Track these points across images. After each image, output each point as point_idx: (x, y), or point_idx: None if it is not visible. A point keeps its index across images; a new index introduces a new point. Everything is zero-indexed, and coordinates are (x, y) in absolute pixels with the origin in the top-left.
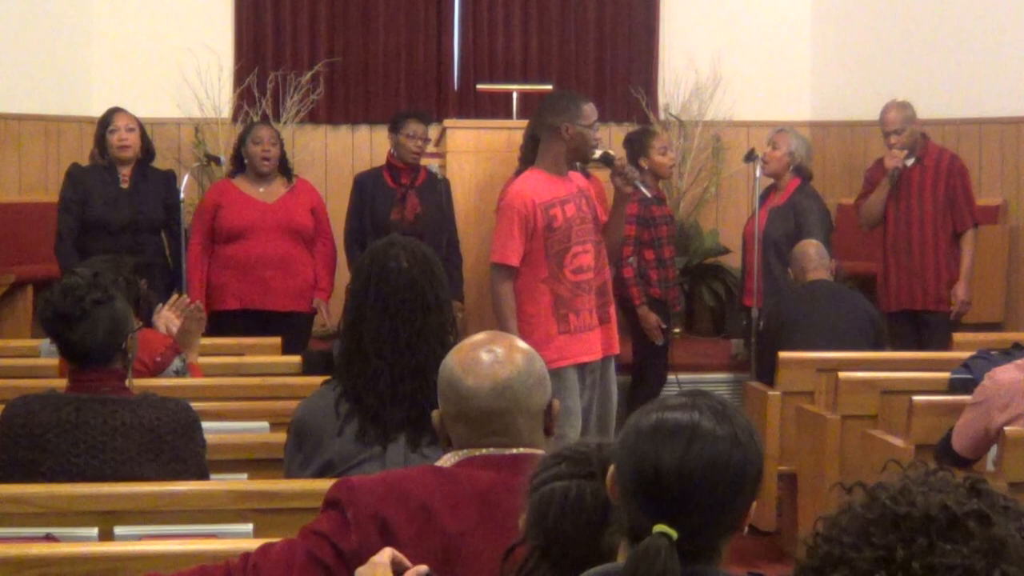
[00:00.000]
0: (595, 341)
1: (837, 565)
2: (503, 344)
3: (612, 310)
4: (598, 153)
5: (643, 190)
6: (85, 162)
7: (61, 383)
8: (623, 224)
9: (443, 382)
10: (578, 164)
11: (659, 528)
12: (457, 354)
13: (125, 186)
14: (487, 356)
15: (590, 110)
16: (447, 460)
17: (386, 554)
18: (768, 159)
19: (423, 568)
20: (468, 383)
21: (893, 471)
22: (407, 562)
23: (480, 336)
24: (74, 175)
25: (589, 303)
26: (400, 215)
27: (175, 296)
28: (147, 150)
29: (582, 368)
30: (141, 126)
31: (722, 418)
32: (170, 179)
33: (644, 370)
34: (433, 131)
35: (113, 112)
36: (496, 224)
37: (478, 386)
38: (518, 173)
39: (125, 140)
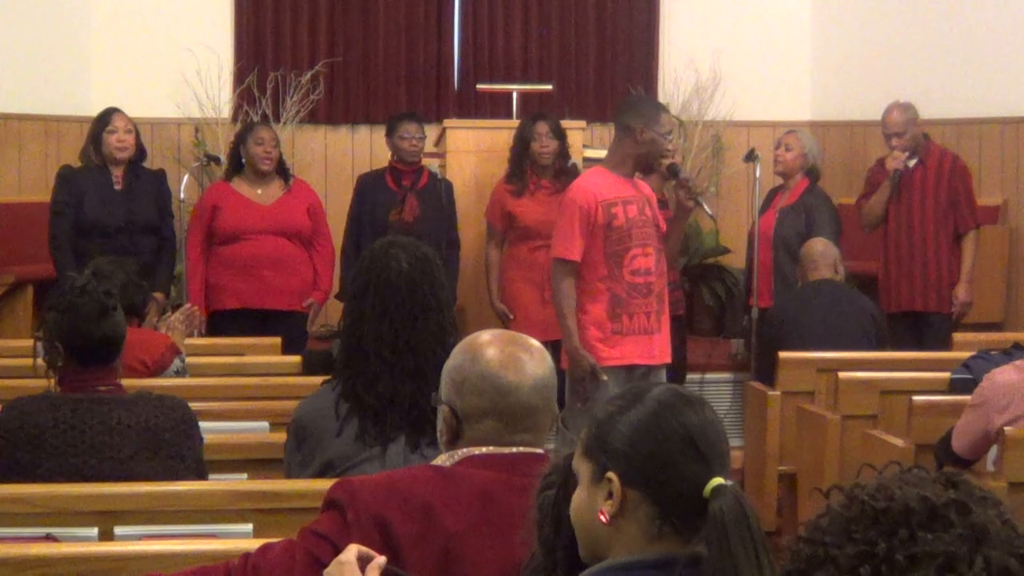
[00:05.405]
0: (647, 345)
1: (822, 564)
2: (525, 342)
3: (666, 319)
4: (666, 163)
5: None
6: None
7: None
8: (680, 237)
9: (475, 376)
10: None
11: (715, 483)
12: (485, 349)
13: (119, 187)
14: (523, 353)
15: (667, 120)
16: (443, 460)
17: (351, 551)
18: (780, 160)
19: (382, 559)
20: (510, 378)
21: (867, 475)
22: (372, 553)
23: (487, 334)
24: (66, 177)
25: (646, 307)
26: (398, 216)
27: (187, 305)
28: (140, 151)
29: (630, 371)
30: (136, 129)
31: (678, 387)
32: (161, 178)
33: None
34: (433, 131)
35: (112, 112)
36: (558, 219)
37: (520, 381)
38: (507, 174)
39: (124, 142)
